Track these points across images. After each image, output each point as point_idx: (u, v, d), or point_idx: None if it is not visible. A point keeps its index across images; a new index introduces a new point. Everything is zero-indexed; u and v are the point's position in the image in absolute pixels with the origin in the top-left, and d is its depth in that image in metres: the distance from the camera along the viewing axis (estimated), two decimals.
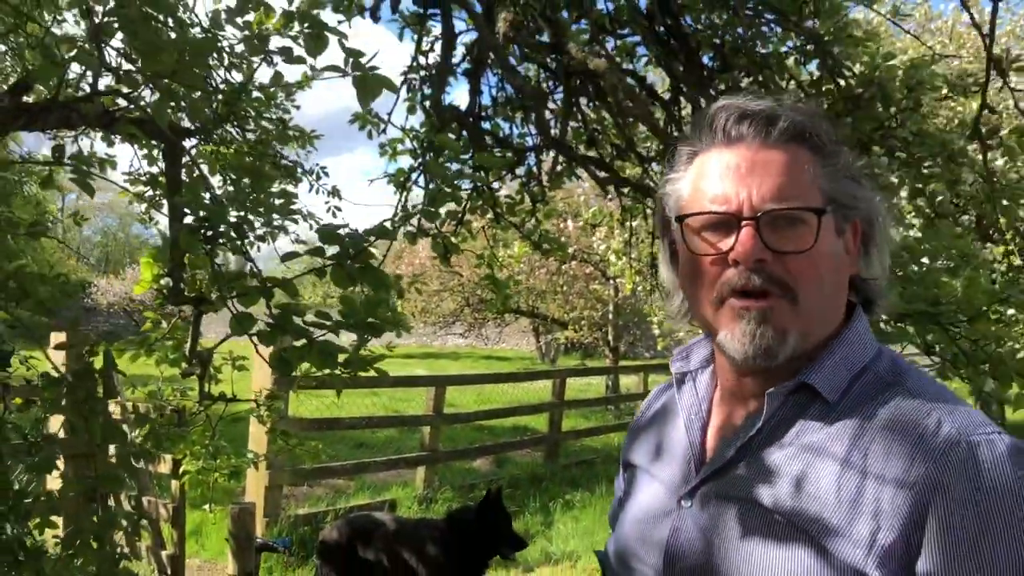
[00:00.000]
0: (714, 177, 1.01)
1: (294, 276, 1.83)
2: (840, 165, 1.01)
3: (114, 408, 4.46)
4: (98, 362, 5.13)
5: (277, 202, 1.91)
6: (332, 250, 1.68)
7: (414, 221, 3.93)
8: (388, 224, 1.77)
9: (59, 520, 2.39)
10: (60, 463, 3.68)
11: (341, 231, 1.68)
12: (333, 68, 1.61)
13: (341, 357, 1.80)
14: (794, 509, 0.92)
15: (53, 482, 4.04)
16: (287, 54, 1.72)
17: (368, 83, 1.58)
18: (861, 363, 0.99)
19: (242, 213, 1.83)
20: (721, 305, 1.00)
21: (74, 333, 4.30)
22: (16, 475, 2.22)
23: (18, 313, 2.12)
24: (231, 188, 2.44)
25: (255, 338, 1.89)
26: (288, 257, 1.77)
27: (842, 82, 2.49)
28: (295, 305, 1.74)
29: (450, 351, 29.79)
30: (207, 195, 2.13)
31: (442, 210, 3.21)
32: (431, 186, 1.62)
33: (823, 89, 2.68)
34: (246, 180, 1.97)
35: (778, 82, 2.99)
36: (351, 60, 1.58)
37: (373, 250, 1.64)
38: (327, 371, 1.90)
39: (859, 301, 1.06)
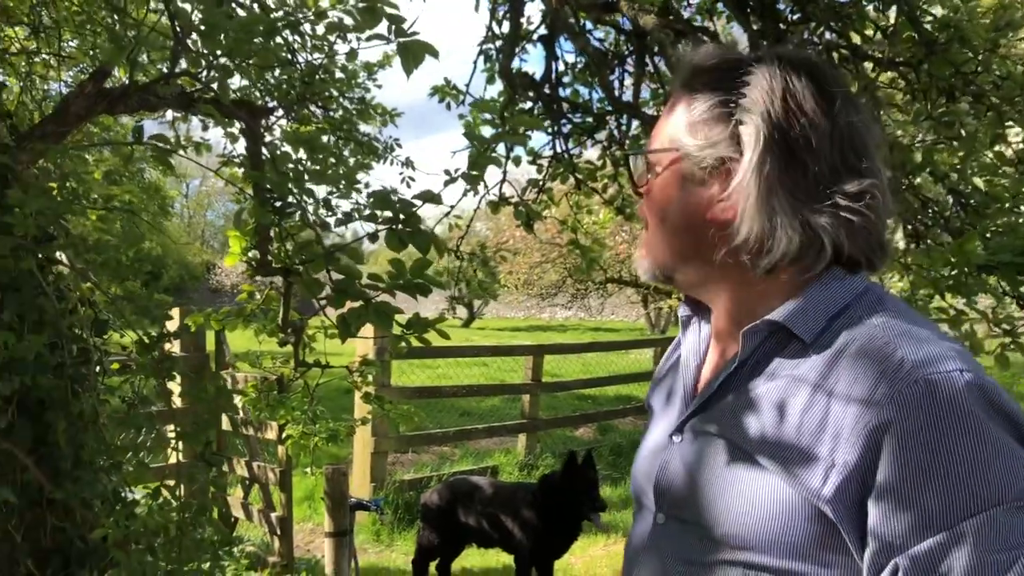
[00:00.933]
0: None
1: (352, 241, 1.90)
2: (697, 110, 1.03)
3: (226, 378, 4.72)
4: (211, 342, 5.42)
5: (340, 172, 1.99)
6: (385, 215, 1.75)
7: (495, 190, 4.00)
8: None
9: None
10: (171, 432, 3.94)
11: (392, 197, 1.74)
12: (377, 36, 1.66)
13: (400, 318, 1.88)
14: (765, 440, 0.95)
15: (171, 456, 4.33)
16: (338, 28, 1.78)
17: (410, 50, 1.63)
18: (841, 303, 0.98)
19: (303, 184, 1.90)
20: None
21: (184, 308, 4.57)
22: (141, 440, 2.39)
23: (134, 290, 2.27)
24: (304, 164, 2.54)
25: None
26: (341, 222, 1.84)
27: (921, 28, 2.39)
28: (352, 269, 1.81)
29: (557, 324, 29.90)
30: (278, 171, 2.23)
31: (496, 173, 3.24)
32: (472, 151, 1.65)
33: (903, 36, 2.56)
34: (302, 153, 2.06)
35: (858, 30, 2.88)
36: (393, 27, 1.63)
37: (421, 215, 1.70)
38: (407, 339, 2.00)
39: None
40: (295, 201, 2.14)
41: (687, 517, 1.03)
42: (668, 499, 1.07)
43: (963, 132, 2.59)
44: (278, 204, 2.09)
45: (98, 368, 2.10)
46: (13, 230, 1.73)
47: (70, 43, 4.70)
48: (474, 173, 1.67)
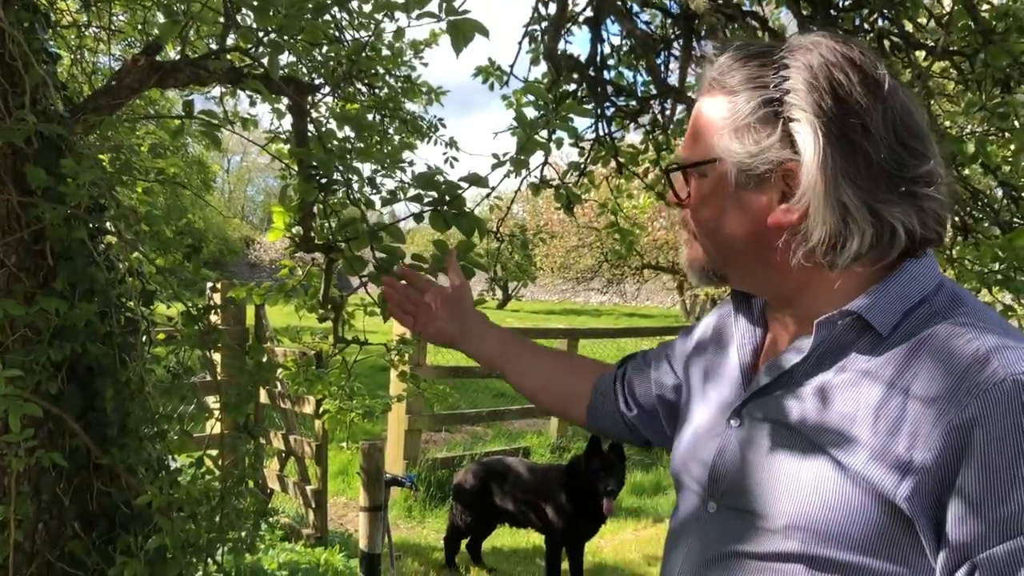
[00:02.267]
0: None
1: (397, 220, 1.92)
2: (739, 115, 0.98)
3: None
4: (250, 316, 5.49)
5: (385, 151, 2.00)
6: (430, 196, 1.76)
7: (536, 173, 4.00)
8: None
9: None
10: (215, 402, 4.01)
11: (439, 178, 1.75)
12: (428, 14, 1.66)
13: None
14: (830, 436, 0.93)
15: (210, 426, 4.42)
16: (387, 6, 1.78)
17: (460, 28, 1.62)
18: (917, 296, 0.96)
19: (349, 162, 1.92)
20: None
21: (225, 282, 4.64)
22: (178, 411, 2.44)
23: (176, 264, 2.31)
24: (351, 141, 2.56)
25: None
26: (387, 202, 1.85)
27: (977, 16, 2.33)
28: (395, 248, 1.83)
29: (592, 308, 29.85)
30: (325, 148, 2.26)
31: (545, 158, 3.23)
32: (522, 134, 1.64)
33: (959, 24, 2.50)
34: (348, 131, 2.08)
35: (912, 18, 2.82)
36: (444, 4, 1.63)
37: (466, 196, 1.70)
38: None
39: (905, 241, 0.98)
40: (340, 178, 2.16)
41: (744, 506, 1.01)
42: (723, 487, 1.05)
43: (1017, 124, 2.53)
44: (323, 181, 2.11)
45: (144, 338, 2.14)
46: (66, 200, 1.77)
47: (120, 16, 4.76)
48: (522, 157, 1.67)
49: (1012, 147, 2.39)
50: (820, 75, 0.94)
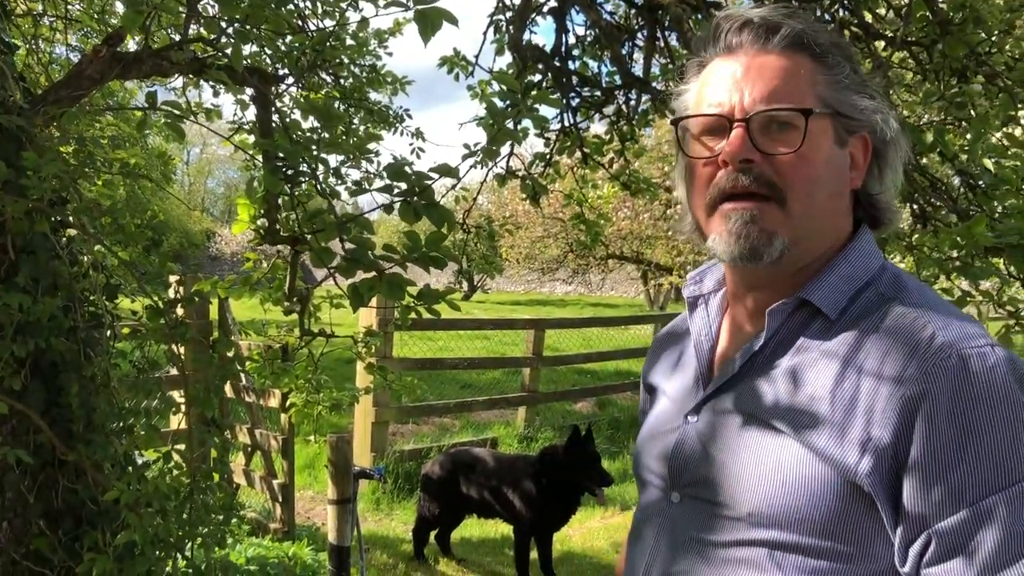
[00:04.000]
0: (713, 84, 1.04)
1: (366, 212, 1.91)
2: (843, 75, 1.01)
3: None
4: (214, 310, 5.43)
5: (352, 142, 1.99)
6: (400, 187, 1.76)
7: (502, 164, 4.00)
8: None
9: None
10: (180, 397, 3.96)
11: (408, 169, 1.75)
12: (396, 3, 1.65)
13: (412, 290, 1.89)
14: (794, 417, 0.95)
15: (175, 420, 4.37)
16: None
17: (428, 17, 1.62)
18: (863, 279, 1.00)
19: (316, 153, 1.91)
20: (713, 210, 1.02)
21: (190, 276, 4.59)
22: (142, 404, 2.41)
23: (139, 257, 2.28)
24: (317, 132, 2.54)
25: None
26: (356, 193, 1.85)
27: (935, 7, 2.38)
28: (365, 239, 1.82)
29: (557, 299, 29.94)
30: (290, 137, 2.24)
31: (514, 149, 3.23)
32: (490, 125, 1.64)
33: (917, 15, 2.55)
34: (313, 121, 2.06)
35: (871, 9, 2.87)
36: None
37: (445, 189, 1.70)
38: (418, 310, 2.01)
39: (864, 218, 1.07)
40: (307, 169, 2.14)
41: (707, 496, 1.02)
42: (685, 478, 1.06)
43: (974, 113, 2.58)
44: (289, 172, 2.09)
45: (109, 332, 2.12)
46: (28, 193, 1.74)
47: (76, 6, 4.67)
48: (493, 148, 1.67)
49: (969, 136, 2.44)
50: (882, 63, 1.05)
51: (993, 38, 2.34)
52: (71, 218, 2.01)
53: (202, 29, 2.18)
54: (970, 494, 0.83)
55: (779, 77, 0.99)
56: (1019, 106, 2.34)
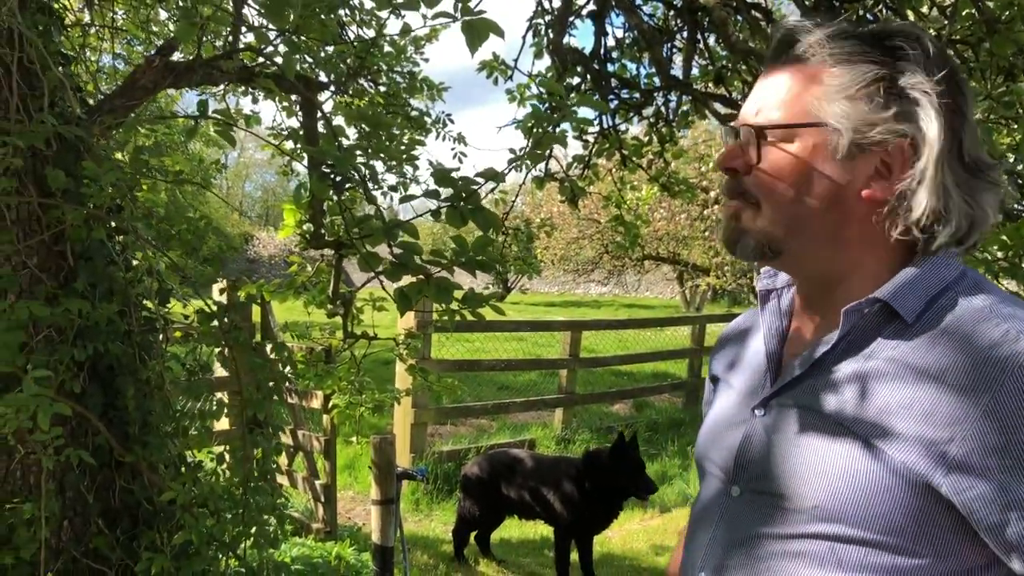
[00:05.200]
0: None
1: (413, 217, 1.94)
2: (855, 87, 0.99)
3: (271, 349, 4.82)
4: (256, 313, 5.51)
5: (400, 148, 2.02)
6: (446, 193, 1.78)
7: (541, 166, 4.01)
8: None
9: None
10: (225, 398, 4.02)
11: (454, 174, 1.77)
12: (443, 14, 1.68)
13: (458, 294, 1.92)
14: (863, 421, 0.95)
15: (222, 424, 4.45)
16: (389, 4, 1.79)
17: (475, 28, 1.64)
18: (941, 284, 0.99)
19: (363, 160, 1.94)
20: None
21: (236, 279, 4.66)
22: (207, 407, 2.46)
23: (184, 262, 2.33)
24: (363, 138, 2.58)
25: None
26: (406, 199, 1.87)
27: (982, 4, 2.35)
28: (413, 244, 1.85)
29: (592, 300, 29.87)
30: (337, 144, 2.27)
31: (562, 153, 3.24)
32: (536, 130, 1.66)
33: (963, 13, 2.52)
34: (365, 128, 2.10)
35: (915, 7, 2.84)
36: (459, 5, 1.64)
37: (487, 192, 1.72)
38: (462, 313, 2.03)
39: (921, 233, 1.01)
40: (356, 176, 2.18)
41: (770, 489, 1.02)
42: (749, 472, 1.07)
43: (1022, 112, 2.55)
44: (337, 179, 2.13)
45: (162, 336, 2.17)
46: (86, 201, 1.79)
47: (121, 14, 4.77)
48: (539, 151, 1.69)
49: (1017, 135, 2.40)
50: (938, 62, 0.98)
51: None
52: (126, 225, 2.07)
53: (250, 38, 2.22)
54: None
55: (771, 92, 1.05)
56: None
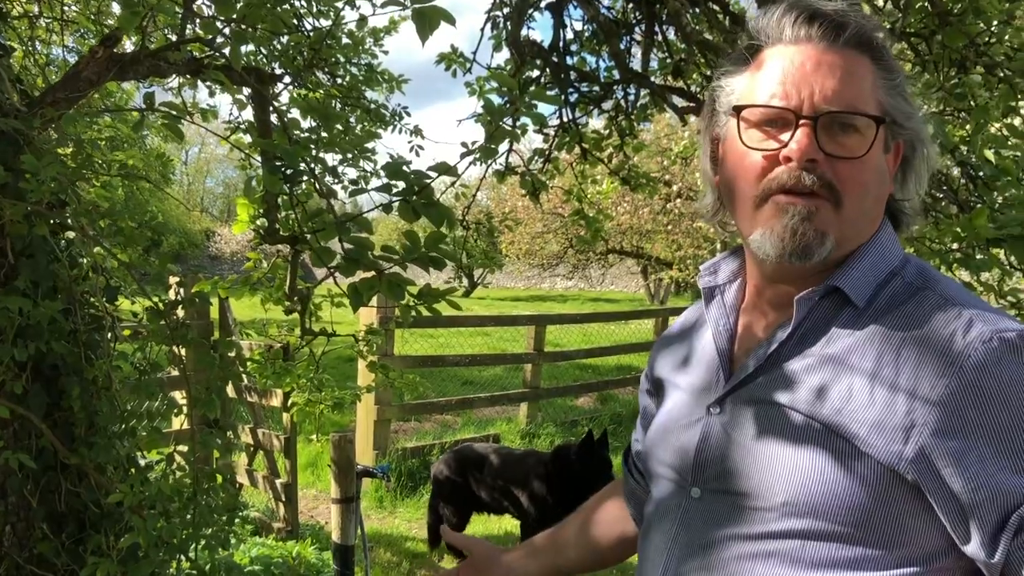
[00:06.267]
0: (776, 73, 1.00)
1: (365, 211, 1.91)
2: (897, 79, 1.01)
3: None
4: (214, 311, 5.43)
5: (353, 141, 1.98)
6: (400, 186, 1.75)
7: (502, 160, 3.99)
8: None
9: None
10: (182, 398, 3.95)
11: (407, 168, 1.74)
12: (393, 2, 1.64)
13: (412, 289, 1.89)
14: (826, 411, 0.94)
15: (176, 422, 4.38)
16: None
17: (426, 16, 1.61)
18: (888, 269, 1.00)
19: (315, 152, 1.90)
20: (763, 203, 1.00)
21: (190, 275, 4.58)
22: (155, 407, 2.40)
23: (138, 259, 2.27)
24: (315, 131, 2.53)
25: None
26: (355, 193, 1.84)
27: None
28: (364, 239, 1.82)
29: (557, 294, 29.95)
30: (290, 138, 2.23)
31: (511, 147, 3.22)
32: (489, 122, 1.64)
33: (916, 6, 2.54)
34: (311, 120, 2.06)
35: (869, 0, 2.86)
36: None
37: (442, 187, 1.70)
38: (419, 309, 2.00)
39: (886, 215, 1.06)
40: (306, 169, 2.14)
41: (734, 488, 1.00)
42: (709, 472, 1.04)
43: (974, 104, 2.58)
44: (289, 172, 2.09)
45: (110, 334, 2.11)
46: (26, 196, 1.73)
47: (72, 6, 4.66)
48: (492, 146, 1.66)
49: (969, 127, 2.43)
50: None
51: (992, 28, 2.33)
52: (70, 220, 2.01)
53: (199, 30, 2.17)
54: None
55: (847, 78, 0.98)
56: (1019, 96, 2.34)
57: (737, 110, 1.02)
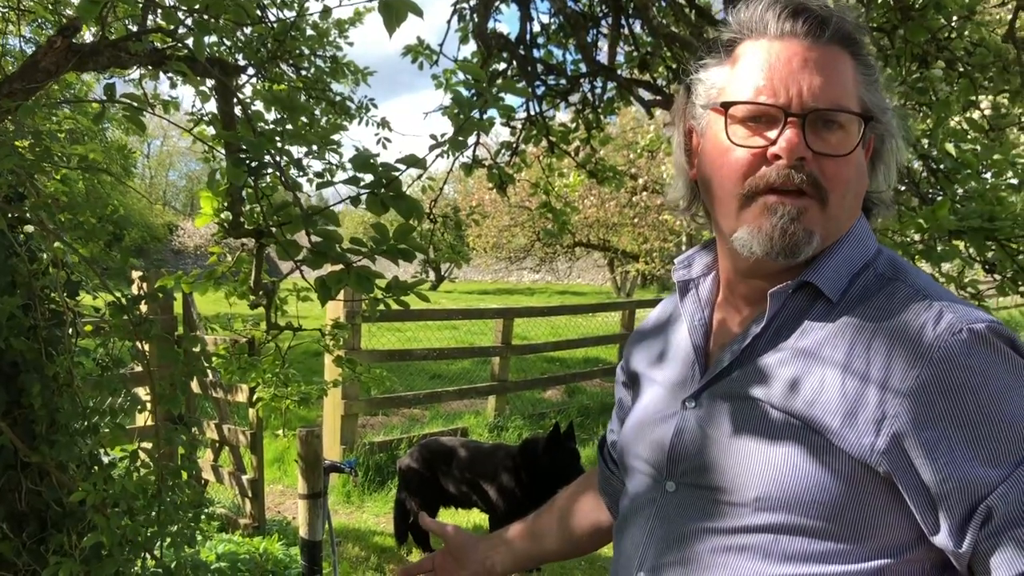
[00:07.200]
0: (761, 68, 0.99)
1: (332, 204, 1.89)
2: (875, 77, 1.02)
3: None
4: (178, 306, 5.36)
5: (318, 133, 1.96)
6: (367, 179, 1.73)
7: (469, 153, 3.98)
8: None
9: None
10: (145, 394, 3.89)
11: (375, 160, 1.72)
12: None
13: (381, 282, 1.88)
14: (799, 405, 0.94)
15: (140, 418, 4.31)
16: None
17: (392, 8, 1.59)
18: (861, 261, 1.01)
19: (280, 145, 1.88)
20: (750, 201, 0.99)
21: (153, 270, 4.52)
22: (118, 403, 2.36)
23: (100, 253, 2.23)
24: (280, 123, 2.50)
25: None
26: (322, 185, 1.82)
27: None
28: (332, 231, 1.80)
29: (525, 287, 29.98)
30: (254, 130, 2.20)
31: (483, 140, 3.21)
32: (456, 115, 1.63)
33: (878, 1, 2.57)
34: (275, 112, 2.03)
35: None
36: None
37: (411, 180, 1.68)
38: (387, 302, 1.99)
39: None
40: (271, 161, 2.11)
41: (708, 483, 1.00)
42: (683, 466, 1.04)
43: (935, 98, 2.62)
44: (253, 165, 2.06)
45: (71, 330, 2.07)
46: None
47: None
48: (460, 138, 1.65)
49: (930, 121, 2.47)
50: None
51: (953, 23, 2.37)
52: (29, 214, 1.97)
53: (160, 20, 2.13)
54: (1014, 457, 0.84)
55: (833, 75, 0.97)
56: (979, 91, 2.38)
57: (725, 106, 1.01)
